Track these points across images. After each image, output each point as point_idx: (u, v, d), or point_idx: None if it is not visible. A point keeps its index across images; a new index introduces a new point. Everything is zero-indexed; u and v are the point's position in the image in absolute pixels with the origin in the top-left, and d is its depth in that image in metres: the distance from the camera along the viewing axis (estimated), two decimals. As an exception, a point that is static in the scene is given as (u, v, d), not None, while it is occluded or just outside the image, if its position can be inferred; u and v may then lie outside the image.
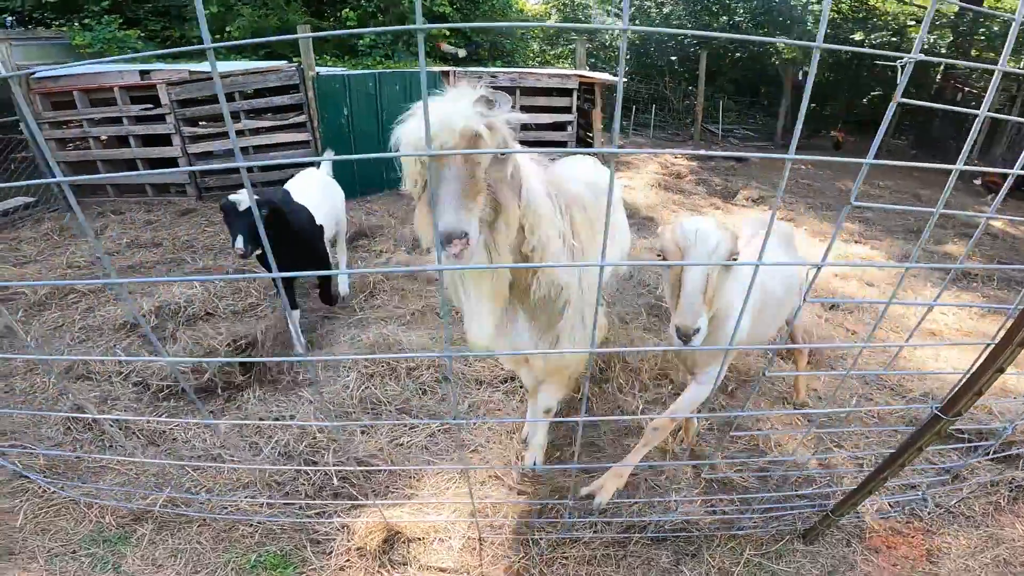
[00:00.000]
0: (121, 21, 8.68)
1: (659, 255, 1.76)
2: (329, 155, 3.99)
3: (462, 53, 10.81)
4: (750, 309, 1.97)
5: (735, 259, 1.66)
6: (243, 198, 2.72)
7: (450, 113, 1.40)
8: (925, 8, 10.87)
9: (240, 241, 2.66)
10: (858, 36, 10.95)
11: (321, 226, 3.40)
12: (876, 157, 0.99)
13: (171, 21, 9.68)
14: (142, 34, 9.04)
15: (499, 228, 1.56)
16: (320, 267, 3.33)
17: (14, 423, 2.73)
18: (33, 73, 5.33)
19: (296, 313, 3.54)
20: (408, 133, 1.44)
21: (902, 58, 1.03)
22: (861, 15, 11.73)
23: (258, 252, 2.81)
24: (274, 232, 2.84)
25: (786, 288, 2.34)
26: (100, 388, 2.93)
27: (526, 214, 1.65)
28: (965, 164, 1.15)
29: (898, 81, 0.99)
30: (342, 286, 4.11)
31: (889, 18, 12.21)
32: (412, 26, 0.84)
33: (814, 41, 0.87)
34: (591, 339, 1.92)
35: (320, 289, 3.67)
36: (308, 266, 3.22)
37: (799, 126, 0.94)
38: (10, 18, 9.04)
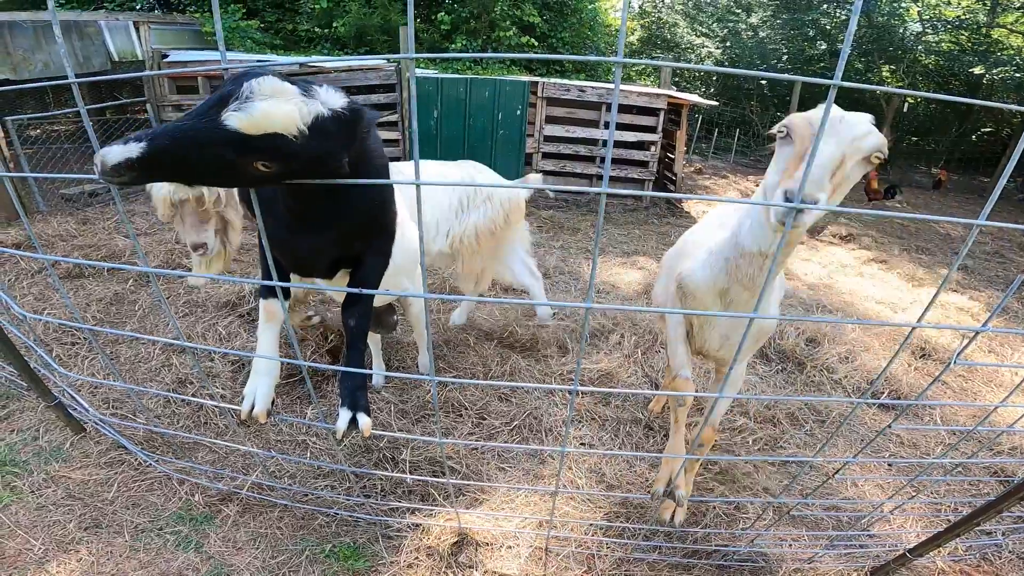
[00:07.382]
0: (244, 12, 9.39)
1: (778, 132, 1.46)
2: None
3: None
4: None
5: (880, 159, 1.36)
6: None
7: None
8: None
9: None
10: (977, 70, 10.13)
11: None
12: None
13: (284, 13, 10.36)
14: (260, 24, 9.75)
15: None
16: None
17: (117, 392, 2.79)
18: (167, 60, 5.75)
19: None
20: None
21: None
22: (982, 48, 10.84)
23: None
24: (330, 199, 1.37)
25: None
26: (202, 363, 3.07)
27: None
28: None
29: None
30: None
31: (1013, 52, 11.24)
32: (612, 58, 0.83)
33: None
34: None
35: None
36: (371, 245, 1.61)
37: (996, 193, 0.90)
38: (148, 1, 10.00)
